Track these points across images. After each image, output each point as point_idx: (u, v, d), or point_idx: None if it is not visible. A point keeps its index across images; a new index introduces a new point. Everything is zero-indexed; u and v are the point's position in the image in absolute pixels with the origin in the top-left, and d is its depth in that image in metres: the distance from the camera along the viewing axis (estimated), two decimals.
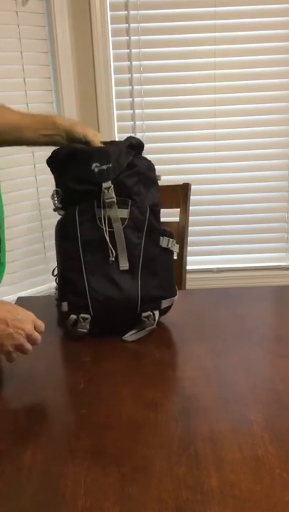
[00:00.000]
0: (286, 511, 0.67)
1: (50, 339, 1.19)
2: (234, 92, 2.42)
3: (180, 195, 1.91)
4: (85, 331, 1.17)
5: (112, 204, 1.14)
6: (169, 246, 1.20)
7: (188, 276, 1.93)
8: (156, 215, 1.21)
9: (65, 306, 1.17)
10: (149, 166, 1.21)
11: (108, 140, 1.27)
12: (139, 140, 1.23)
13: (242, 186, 2.53)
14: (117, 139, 1.28)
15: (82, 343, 1.16)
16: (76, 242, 1.16)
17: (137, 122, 2.42)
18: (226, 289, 1.52)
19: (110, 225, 1.15)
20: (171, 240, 1.21)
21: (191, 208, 1.93)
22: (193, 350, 1.10)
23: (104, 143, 1.23)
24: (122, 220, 1.15)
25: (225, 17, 2.34)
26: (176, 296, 1.24)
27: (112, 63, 2.38)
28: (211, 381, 0.97)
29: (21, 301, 1.40)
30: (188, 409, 0.89)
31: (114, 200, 1.14)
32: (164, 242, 1.20)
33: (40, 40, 2.25)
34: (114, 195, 1.14)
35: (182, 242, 1.87)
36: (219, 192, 2.54)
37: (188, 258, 1.96)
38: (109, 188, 1.14)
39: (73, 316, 1.16)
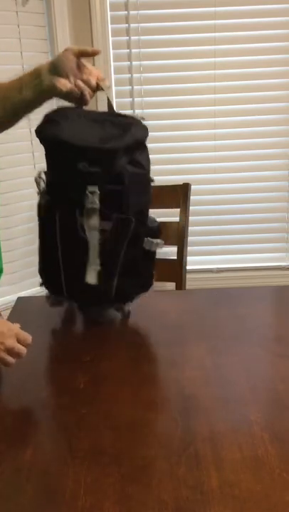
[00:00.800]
0: (286, 511, 0.67)
1: (50, 339, 1.19)
2: (234, 92, 2.42)
3: (180, 195, 1.91)
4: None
5: (93, 211, 1.06)
6: (152, 248, 1.16)
7: (188, 276, 1.93)
8: (142, 219, 1.14)
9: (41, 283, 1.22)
10: (140, 173, 1.11)
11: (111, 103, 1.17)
12: (146, 131, 1.13)
13: (242, 186, 2.53)
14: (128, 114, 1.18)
15: (82, 343, 1.16)
16: (55, 241, 1.13)
17: None
18: (226, 289, 1.52)
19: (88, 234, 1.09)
20: (155, 242, 1.16)
21: (191, 207, 1.93)
22: (193, 350, 1.10)
23: (109, 109, 1.13)
24: (103, 231, 1.09)
25: (225, 17, 2.34)
26: (152, 287, 1.22)
27: (112, 63, 2.38)
28: (211, 381, 0.97)
29: (21, 301, 1.40)
30: (188, 409, 0.89)
31: (98, 207, 1.06)
32: (147, 244, 1.15)
33: (40, 40, 2.25)
34: (97, 201, 1.06)
35: (182, 242, 1.87)
36: (219, 192, 2.54)
37: (188, 258, 1.96)
38: (93, 192, 1.05)
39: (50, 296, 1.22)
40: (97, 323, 1.24)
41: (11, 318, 1.25)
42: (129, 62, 2.40)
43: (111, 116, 1.13)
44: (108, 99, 1.15)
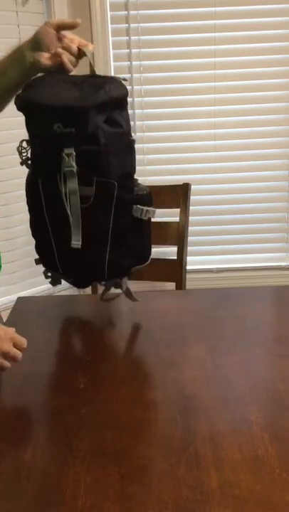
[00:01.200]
0: (286, 511, 0.67)
1: (50, 339, 1.19)
2: (234, 92, 2.42)
3: (180, 195, 1.91)
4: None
5: (71, 174, 1.03)
6: (142, 216, 1.11)
7: (188, 276, 1.93)
8: (128, 184, 1.10)
9: (38, 260, 1.21)
10: (117, 133, 1.06)
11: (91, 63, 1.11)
12: (124, 90, 1.08)
13: (242, 186, 2.53)
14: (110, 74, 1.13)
15: (82, 343, 1.16)
16: (42, 212, 1.11)
17: (137, 122, 2.42)
18: (226, 289, 1.52)
19: (69, 199, 1.05)
20: (144, 209, 1.11)
21: (191, 207, 1.93)
22: (193, 350, 1.10)
23: (91, 72, 1.10)
24: (87, 197, 1.05)
25: (225, 17, 2.34)
26: (148, 261, 1.19)
27: (112, 63, 2.38)
28: (211, 381, 0.97)
29: (21, 301, 1.40)
30: (188, 409, 0.89)
31: (74, 169, 1.02)
32: (136, 212, 1.10)
33: None
34: (74, 164, 1.02)
35: (182, 242, 1.87)
36: (219, 192, 2.54)
37: (188, 258, 1.96)
38: (70, 154, 1.01)
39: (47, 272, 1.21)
40: (97, 324, 1.24)
41: (11, 318, 1.25)
42: (129, 62, 2.40)
43: (90, 78, 1.09)
44: (90, 63, 1.11)
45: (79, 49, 1.09)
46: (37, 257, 1.23)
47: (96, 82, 1.06)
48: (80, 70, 1.11)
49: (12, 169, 2.22)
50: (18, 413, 0.92)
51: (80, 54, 1.09)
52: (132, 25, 2.36)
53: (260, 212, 2.57)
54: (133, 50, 2.38)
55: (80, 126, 1.02)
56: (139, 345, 1.15)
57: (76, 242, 1.07)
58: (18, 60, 1.08)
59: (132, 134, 1.12)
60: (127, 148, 1.09)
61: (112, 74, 2.39)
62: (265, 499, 0.69)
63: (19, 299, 1.43)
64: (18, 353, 0.94)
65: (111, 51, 2.37)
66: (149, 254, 1.18)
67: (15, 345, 0.94)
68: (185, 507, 0.68)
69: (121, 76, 1.11)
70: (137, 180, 1.14)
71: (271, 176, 2.53)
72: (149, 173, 2.43)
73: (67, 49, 1.07)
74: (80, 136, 1.02)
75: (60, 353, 1.14)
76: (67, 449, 0.80)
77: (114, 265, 1.13)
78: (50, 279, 1.23)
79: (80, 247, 1.07)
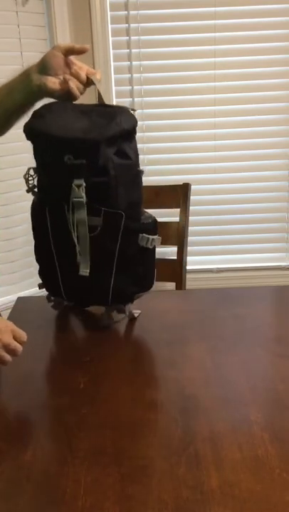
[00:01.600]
0: (286, 511, 0.67)
1: (50, 339, 1.19)
2: (234, 92, 2.42)
3: (180, 195, 1.91)
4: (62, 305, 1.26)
5: (80, 205, 1.04)
6: (148, 245, 1.12)
7: (188, 276, 1.93)
8: (135, 214, 1.11)
9: (42, 285, 1.25)
10: (126, 164, 1.07)
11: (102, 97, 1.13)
12: (134, 121, 1.08)
13: (242, 186, 2.53)
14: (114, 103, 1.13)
15: (82, 343, 1.16)
16: (48, 239, 1.13)
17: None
18: (226, 289, 1.52)
19: (76, 229, 1.07)
20: (150, 238, 1.12)
21: (191, 207, 1.93)
22: (193, 350, 1.10)
23: (99, 101, 1.11)
24: (94, 227, 1.07)
25: (225, 17, 2.34)
26: (152, 288, 1.20)
27: (112, 63, 2.38)
28: (211, 381, 0.97)
29: (21, 301, 1.40)
30: (188, 409, 0.89)
31: (84, 200, 1.04)
32: (142, 241, 1.12)
33: (40, 40, 2.25)
34: (84, 195, 1.03)
35: (182, 242, 1.87)
36: (219, 192, 2.54)
37: (188, 258, 1.96)
38: (79, 185, 1.03)
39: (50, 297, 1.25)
40: (97, 324, 1.24)
41: (11, 318, 1.25)
42: (129, 62, 2.40)
43: (99, 107, 1.10)
44: (98, 92, 1.12)
45: (87, 77, 1.09)
46: (40, 280, 1.26)
47: (106, 111, 1.07)
48: (85, 97, 1.11)
49: (12, 169, 2.23)
50: (18, 413, 0.91)
51: (88, 82, 1.10)
52: (132, 25, 2.36)
53: (260, 212, 2.57)
54: (133, 50, 2.39)
55: (91, 159, 1.02)
56: (139, 345, 1.15)
57: (84, 270, 1.09)
58: (24, 82, 1.08)
59: (140, 166, 1.13)
60: (135, 178, 1.11)
61: (112, 74, 2.39)
62: (265, 499, 0.69)
63: (19, 299, 1.44)
64: (19, 346, 0.94)
65: (111, 51, 2.37)
66: (153, 281, 1.19)
67: (15, 339, 0.94)
68: (185, 507, 0.68)
69: (129, 106, 1.12)
70: (142, 208, 1.15)
71: (271, 176, 2.53)
72: (149, 173, 2.43)
73: (76, 76, 1.08)
74: (91, 167, 1.03)
75: (60, 353, 1.13)
76: (67, 449, 0.80)
77: (119, 292, 1.15)
78: (52, 304, 1.26)
79: (88, 274, 1.09)
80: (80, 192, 1.03)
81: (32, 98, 1.10)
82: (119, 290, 1.15)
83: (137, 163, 1.10)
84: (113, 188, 1.06)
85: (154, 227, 1.14)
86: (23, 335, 0.96)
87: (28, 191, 1.14)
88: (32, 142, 1.09)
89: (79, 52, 1.09)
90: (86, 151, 1.02)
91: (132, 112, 1.10)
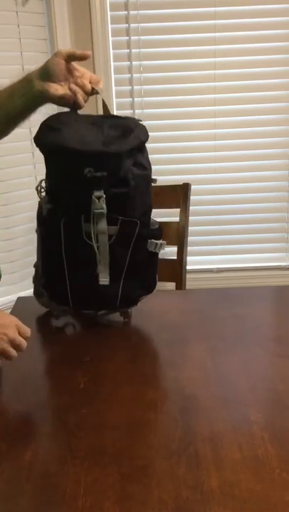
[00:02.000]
0: (286, 511, 0.67)
1: (50, 339, 1.19)
2: (234, 92, 2.42)
3: (180, 195, 1.91)
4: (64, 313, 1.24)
5: (101, 216, 1.06)
6: (156, 250, 1.15)
7: (188, 276, 1.93)
8: (147, 221, 1.15)
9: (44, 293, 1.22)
10: (143, 175, 1.10)
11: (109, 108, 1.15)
12: (147, 132, 1.11)
13: (242, 186, 2.53)
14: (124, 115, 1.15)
15: (82, 343, 1.16)
16: (60, 251, 1.13)
17: None
18: (226, 289, 1.52)
19: (96, 239, 1.09)
20: (158, 243, 1.15)
21: (191, 208, 1.93)
22: (193, 350, 1.10)
23: (105, 111, 1.12)
24: (110, 236, 1.09)
25: (225, 17, 2.34)
26: (155, 289, 1.22)
27: (112, 63, 2.38)
28: (211, 381, 0.97)
29: (21, 301, 1.40)
30: (188, 409, 0.89)
31: (104, 211, 1.06)
32: (151, 246, 1.15)
33: (40, 40, 2.25)
34: (104, 206, 1.05)
35: (182, 242, 1.87)
36: (219, 192, 2.54)
37: (188, 258, 1.96)
38: (100, 197, 1.05)
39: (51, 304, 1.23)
40: (97, 324, 1.24)
41: None
42: (129, 62, 2.40)
43: (108, 119, 1.12)
44: (103, 101, 1.13)
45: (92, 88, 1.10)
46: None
47: (119, 123, 1.09)
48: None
49: (12, 169, 2.23)
50: (18, 413, 0.91)
51: (92, 92, 1.11)
52: (132, 25, 2.36)
53: (260, 212, 2.57)
54: (133, 50, 2.39)
55: (112, 171, 1.04)
56: (139, 345, 1.15)
57: (104, 279, 1.12)
58: (26, 88, 1.08)
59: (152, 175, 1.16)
60: (148, 187, 1.14)
61: (112, 74, 2.39)
62: (265, 499, 0.69)
63: (19, 299, 1.43)
64: (24, 342, 0.95)
65: (111, 51, 2.37)
66: (156, 283, 1.22)
67: (19, 334, 0.95)
68: (185, 507, 0.68)
69: (136, 116, 1.15)
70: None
71: (271, 176, 2.53)
72: None
73: (82, 87, 1.08)
74: (111, 179, 1.05)
75: (60, 353, 1.13)
76: (68, 449, 0.80)
77: (127, 296, 1.18)
78: (55, 312, 1.26)
79: (108, 283, 1.11)
80: (100, 203, 1.05)
81: (33, 104, 1.10)
82: (127, 295, 1.17)
83: (151, 173, 1.14)
84: (132, 198, 1.09)
85: (161, 232, 1.17)
86: (27, 330, 0.96)
87: (41, 203, 1.15)
88: (48, 155, 1.09)
89: (80, 58, 1.09)
90: (108, 163, 1.04)
91: (140, 123, 1.12)
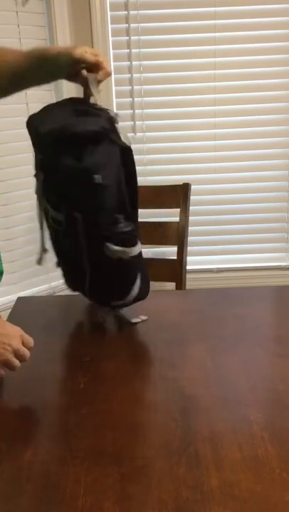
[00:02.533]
0: (286, 511, 0.67)
1: (50, 339, 1.19)
2: (234, 92, 2.42)
3: (180, 195, 1.91)
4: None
5: (38, 194, 1.10)
6: (113, 256, 1.06)
7: (188, 276, 1.93)
8: (99, 218, 1.05)
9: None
10: (74, 167, 1.01)
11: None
12: (106, 125, 1.05)
13: (242, 186, 2.53)
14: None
15: (82, 343, 1.16)
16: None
17: (137, 122, 2.42)
18: (226, 289, 1.52)
19: (53, 223, 1.11)
20: (114, 249, 1.05)
21: (191, 207, 1.93)
22: (193, 350, 1.10)
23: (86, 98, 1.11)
24: (61, 222, 1.08)
25: (225, 17, 2.34)
26: (130, 297, 1.17)
27: (112, 63, 2.38)
28: (211, 381, 0.97)
29: (21, 301, 1.40)
30: (188, 409, 0.89)
31: (40, 191, 1.09)
32: (107, 250, 1.06)
33: (40, 40, 2.25)
34: (40, 186, 1.07)
35: (182, 242, 1.87)
36: (219, 192, 2.54)
37: (188, 258, 1.96)
38: (39, 178, 1.06)
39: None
40: (97, 324, 1.24)
41: (11, 318, 1.25)
42: (129, 62, 2.40)
43: (83, 105, 1.12)
44: (88, 90, 1.13)
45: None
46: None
47: (89, 112, 1.10)
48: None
49: (12, 169, 2.23)
50: (18, 413, 0.92)
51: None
52: (132, 25, 2.36)
53: (260, 212, 2.57)
54: (133, 50, 2.39)
55: (46, 154, 1.05)
56: (139, 345, 1.15)
57: (37, 261, 1.20)
58: (61, 54, 1.09)
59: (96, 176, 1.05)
60: (88, 185, 1.04)
61: (112, 74, 2.39)
62: (265, 499, 0.69)
63: (19, 299, 1.43)
64: (27, 352, 0.95)
65: (111, 51, 2.37)
66: (131, 294, 1.16)
67: (23, 344, 0.95)
68: (185, 507, 0.68)
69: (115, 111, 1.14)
70: (120, 219, 1.07)
71: (271, 176, 2.53)
72: (149, 173, 2.43)
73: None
74: (47, 162, 1.05)
75: (60, 353, 1.14)
76: (68, 449, 0.80)
77: (95, 295, 1.21)
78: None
79: (39, 265, 1.18)
80: (39, 183, 1.09)
81: (69, 68, 1.10)
82: (95, 295, 1.20)
83: (88, 170, 1.03)
84: (63, 189, 1.07)
85: (128, 239, 1.13)
86: (30, 341, 0.96)
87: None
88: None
89: (102, 75, 1.16)
90: (41, 145, 1.06)
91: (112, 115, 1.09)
